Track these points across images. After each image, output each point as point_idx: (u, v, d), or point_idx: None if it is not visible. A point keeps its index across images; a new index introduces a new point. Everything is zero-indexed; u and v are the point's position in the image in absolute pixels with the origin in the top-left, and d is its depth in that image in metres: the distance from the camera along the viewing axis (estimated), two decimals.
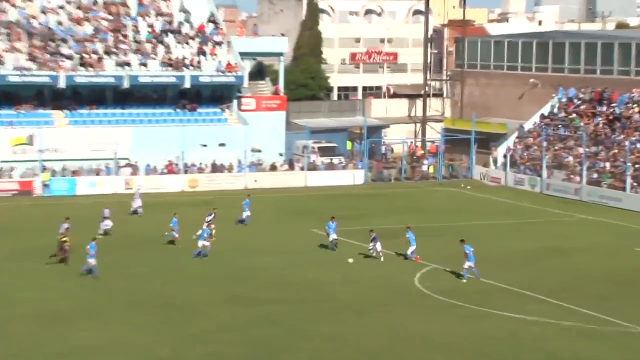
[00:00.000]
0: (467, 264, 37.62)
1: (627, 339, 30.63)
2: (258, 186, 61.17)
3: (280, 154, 66.99)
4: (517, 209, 56.16)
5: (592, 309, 33.62)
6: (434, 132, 78.39)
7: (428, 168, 69.77)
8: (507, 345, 29.81)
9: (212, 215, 44.57)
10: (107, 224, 45.67)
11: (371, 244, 41.08)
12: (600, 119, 65.22)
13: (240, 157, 63.34)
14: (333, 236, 42.94)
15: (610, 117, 64.61)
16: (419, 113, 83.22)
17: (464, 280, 37.45)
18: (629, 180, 56.64)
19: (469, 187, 64.57)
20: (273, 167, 65.07)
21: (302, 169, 65.26)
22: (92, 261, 37.09)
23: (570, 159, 62.39)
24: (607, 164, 59.74)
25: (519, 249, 44.28)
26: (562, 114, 68.34)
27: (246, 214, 48.84)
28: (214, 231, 42.56)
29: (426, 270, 39.66)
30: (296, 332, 30.71)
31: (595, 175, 59.48)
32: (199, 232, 41.79)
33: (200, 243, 41.25)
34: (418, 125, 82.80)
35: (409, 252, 40.86)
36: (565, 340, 30.27)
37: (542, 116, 69.54)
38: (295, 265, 40.46)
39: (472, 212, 54.85)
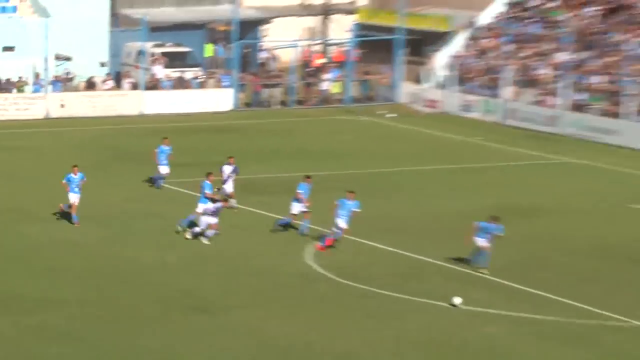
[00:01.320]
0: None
1: (610, 338, 31.94)
2: (66, 114, 61.24)
3: (102, 64, 66.95)
4: (463, 147, 57.41)
5: (556, 292, 34.99)
6: (341, 30, 78.47)
7: (330, 86, 70.20)
8: (456, 353, 30.61)
9: None
10: None
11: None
12: (591, 9, 66.74)
13: (38, 69, 63.20)
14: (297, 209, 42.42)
15: (608, 7, 66.15)
16: (319, 0, 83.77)
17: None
18: (630, 105, 58.33)
19: (391, 115, 65.63)
20: (90, 85, 64.98)
21: (135, 87, 65.45)
22: None
23: (545, 71, 63.89)
24: (599, 79, 61.47)
25: (463, 209, 45.05)
26: (536, 2, 69.88)
27: None
28: None
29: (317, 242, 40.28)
30: (103, 350, 30.23)
31: (581, 97, 61.05)
32: None
33: None
34: (317, 19, 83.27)
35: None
36: (533, 346, 31.01)
37: (506, 5, 71.00)
38: (109, 241, 40.30)
39: (395, 153, 55.81)
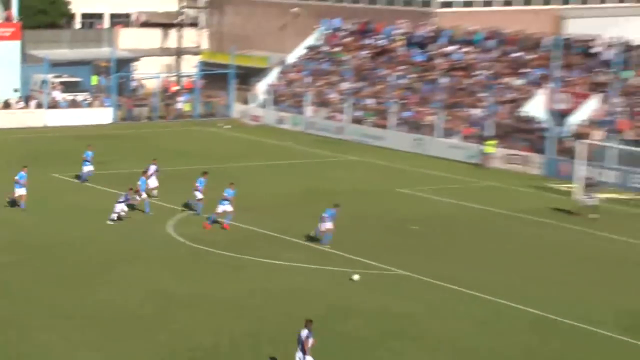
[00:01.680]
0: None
1: (392, 284, 32.22)
2: None
3: (16, 90, 65.22)
4: (278, 149, 57.31)
5: (357, 253, 35.04)
6: (190, 66, 78.14)
7: (183, 106, 69.60)
8: (280, 297, 30.47)
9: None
10: None
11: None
12: (365, 52, 67.23)
13: None
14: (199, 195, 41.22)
15: (375, 51, 66.76)
16: (174, 45, 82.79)
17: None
18: (392, 118, 58.62)
19: (227, 126, 65.22)
20: (7, 105, 63.33)
21: (40, 106, 63.90)
22: None
23: (334, 95, 63.98)
24: (371, 101, 61.79)
25: (281, 193, 45.32)
26: (327, 47, 70.01)
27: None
28: None
29: (181, 217, 40.11)
30: (31, 301, 29.68)
31: (359, 113, 61.27)
32: None
33: None
34: (172, 58, 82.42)
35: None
36: (338, 289, 31.18)
37: (306, 49, 70.87)
38: (25, 220, 39.45)
39: (230, 153, 55.51)
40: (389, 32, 67.65)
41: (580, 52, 57.25)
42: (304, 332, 23.34)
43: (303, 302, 29.80)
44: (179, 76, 78.23)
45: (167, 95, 72.12)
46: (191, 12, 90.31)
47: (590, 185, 41.58)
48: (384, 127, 59.17)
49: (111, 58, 69.02)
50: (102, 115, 65.72)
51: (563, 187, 47.20)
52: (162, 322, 27.88)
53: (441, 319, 28.72)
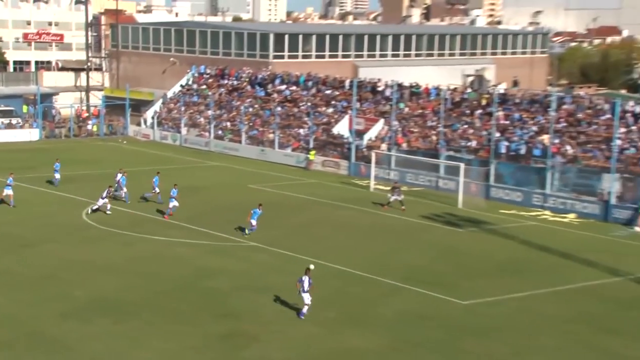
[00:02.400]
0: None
1: (243, 252, 32.33)
2: None
3: None
4: (163, 158, 56.13)
5: (218, 230, 35.00)
6: (96, 98, 76.05)
7: (92, 127, 67.57)
8: (160, 262, 30.11)
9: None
10: None
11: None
12: (223, 89, 66.92)
13: None
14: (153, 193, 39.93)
15: (230, 88, 66.62)
16: (84, 83, 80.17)
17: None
18: (243, 135, 58.58)
19: (125, 142, 63.59)
20: None
21: None
22: None
23: (202, 119, 63.33)
24: (228, 123, 61.48)
25: (166, 189, 44.50)
26: (195, 85, 69.26)
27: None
28: None
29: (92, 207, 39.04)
30: None
31: (220, 132, 60.88)
32: None
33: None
34: (83, 93, 79.76)
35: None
36: (205, 256, 31.09)
37: (181, 86, 69.91)
38: None
39: (129, 161, 53.77)
40: (238, 75, 67.53)
41: (369, 90, 58.51)
42: (306, 278, 24.07)
43: (176, 265, 29.55)
44: (88, 106, 75.77)
45: (80, 120, 70.06)
46: (96, 60, 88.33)
47: (395, 188, 41.53)
48: (238, 142, 58.90)
49: (37, 93, 66.49)
50: (31, 134, 63.20)
51: (362, 182, 48.24)
52: (63, 280, 27.44)
53: (276, 274, 28.87)
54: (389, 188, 42.31)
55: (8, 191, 38.61)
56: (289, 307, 25.31)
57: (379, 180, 47.17)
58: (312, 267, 25.00)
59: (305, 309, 24.22)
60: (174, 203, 37.30)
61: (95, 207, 37.45)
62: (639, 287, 28.88)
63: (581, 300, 27.11)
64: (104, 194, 37.33)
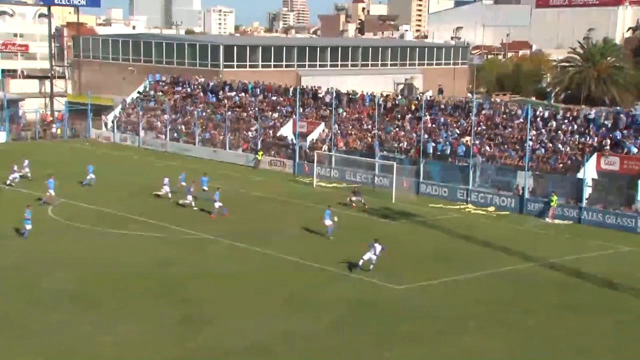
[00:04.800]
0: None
1: (198, 243, 31.86)
2: None
3: None
4: (122, 158, 55.01)
5: (175, 224, 34.35)
6: (60, 104, 73.82)
7: (56, 130, 65.76)
8: (121, 253, 29.55)
9: None
10: None
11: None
12: (177, 95, 65.86)
13: None
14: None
15: (184, 95, 65.64)
16: (48, 90, 77.99)
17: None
18: (197, 137, 57.58)
19: (87, 144, 62.01)
20: None
21: None
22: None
23: (158, 123, 62.14)
24: (183, 127, 60.38)
25: (126, 186, 43.58)
26: (152, 92, 68.04)
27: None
28: None
29: (58, 204, 37.89)
30: None
31: (175, 134, 59.83)
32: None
33: None
34: (47, 99, 77.56)
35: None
36: (162, 248, 30.57)
37: (138, 93, 68.49)
38: None
39: (91, 161, 52.78)
40: (192, 82, 66.61)
41: (311, 96, 58.39)
42: (377, 244, 26.93)
43: (136, 256, 29.05)
44: (53, 111, 73.85)
45: (45, 123, 68.18)
46: (59, 69, 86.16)
47: (355, 192, 40.54)
48: (192, 143, 58.01)
49: (4, 99, 64.15)
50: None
51: (306, 180, 48.11)
52: (29, 272, 26.77)
53: (229, 264, 28.62)
54: (351, 192, 41.22)
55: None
56: (241, 294, 25.05)
57: (321, 178, 47.10)
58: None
59: (361, 263, 27.06)
60: (219, 204, 36.27)
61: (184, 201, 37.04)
62: (550, 272, 29.47)
63: (499, 284, 27.54)
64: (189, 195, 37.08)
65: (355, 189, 42.03)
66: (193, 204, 37.55)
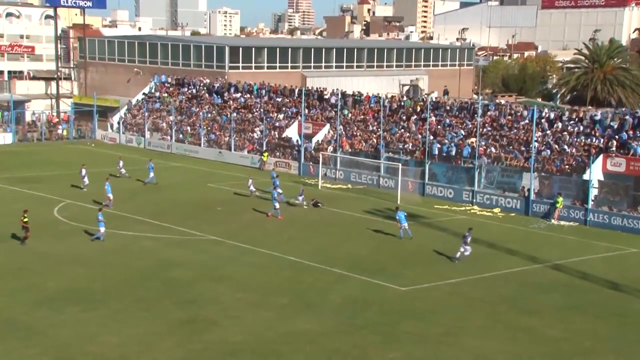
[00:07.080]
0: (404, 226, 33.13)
1: (202, 244, 31.96)
2: None
3: None
4: (128, 159, 54.93)
5: (180, 225, 34.51)
6: (66, 105, 74.16)
7: (62, 131, 65.97)
8: (126, 254, 29.57)
9: None
10: None
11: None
12: (183, 97, 66.02)
13: None
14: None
15: (189, 96, 65.76)
16: (54, 91, 78.13)
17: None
18: (202, 139, 57.74)
19: (93, 145, 62.19)
20: None
21: None
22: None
23: (164, 124, 62.31)
24: (188, 128, 60.58)
25: (131, 187, 43.80)
26: (158, 93, 68.16)
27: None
28: None
29: (62, 205, 38.05)
30: None
31: (180, 136, 59.93)
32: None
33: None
34: (53, 100, 77.76)
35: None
36: (167, 249, 30.61)
37: (144, 94, 68.68)
38: None
39: (96, 162, 52.61)
40: (197, 83, 66.72)
41: (316, 97, 58.46)
42: (469, 234, 29.43)
43: (141, 257, 29.07)
44: (59, 112, 73.96)
45: (51, 124, 68.26)
46: (65, 70, 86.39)
47: (315, 203, 40.07)
48: (197, 144, 58.12)
49: (10, 100, 64.49)
50: (6, 138, 61.38)
51: (311, 181, 48.11)
52: (35, 272, 26.79)
53: (233, 264, 28.65)
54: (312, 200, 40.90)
55: None
56: (245, 294, 25.07)
57: (326, 179, 47.15)
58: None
59: (458, 255, 29.38)
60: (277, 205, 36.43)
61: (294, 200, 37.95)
62: (555, 273, 29.41)
63: (505, 285, 27.49)
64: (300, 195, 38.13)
65: (317, 200, 40.48)
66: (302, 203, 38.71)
